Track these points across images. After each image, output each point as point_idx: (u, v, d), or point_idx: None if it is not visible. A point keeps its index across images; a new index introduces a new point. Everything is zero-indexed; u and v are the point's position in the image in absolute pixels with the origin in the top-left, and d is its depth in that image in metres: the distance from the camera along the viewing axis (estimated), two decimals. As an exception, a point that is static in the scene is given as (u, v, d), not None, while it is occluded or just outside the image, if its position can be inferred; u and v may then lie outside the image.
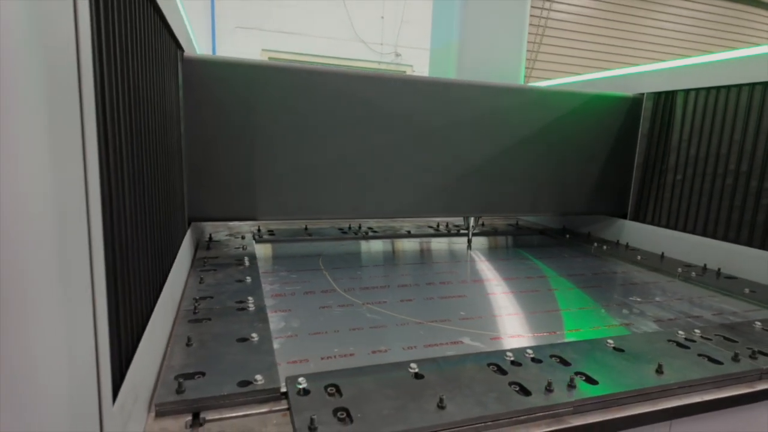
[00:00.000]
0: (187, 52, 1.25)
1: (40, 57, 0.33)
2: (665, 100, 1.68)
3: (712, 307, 1.20)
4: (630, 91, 1.75)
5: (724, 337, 0.94)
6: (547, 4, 7.05)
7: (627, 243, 1.79)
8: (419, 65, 6.74)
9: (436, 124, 1.52)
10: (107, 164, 0.51)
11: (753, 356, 0.85)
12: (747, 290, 1.27)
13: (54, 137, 0.35)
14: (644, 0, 8.02)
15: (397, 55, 6.98)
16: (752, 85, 1.40)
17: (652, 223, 1.72)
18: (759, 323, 1.02)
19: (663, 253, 1.62)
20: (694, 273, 1.42)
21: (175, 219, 1.06)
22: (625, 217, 1.82)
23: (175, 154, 1.10)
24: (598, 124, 1.73)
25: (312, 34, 6.56)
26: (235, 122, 1.32)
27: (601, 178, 1.78)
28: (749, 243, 1.40)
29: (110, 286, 0.49)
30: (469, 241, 1.81)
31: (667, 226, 1.66)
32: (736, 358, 0.84)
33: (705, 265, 1.49)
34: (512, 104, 1.60)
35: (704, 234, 1.53)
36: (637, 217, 1.78)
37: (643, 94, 1.74)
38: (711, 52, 1.56)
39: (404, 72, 6.70)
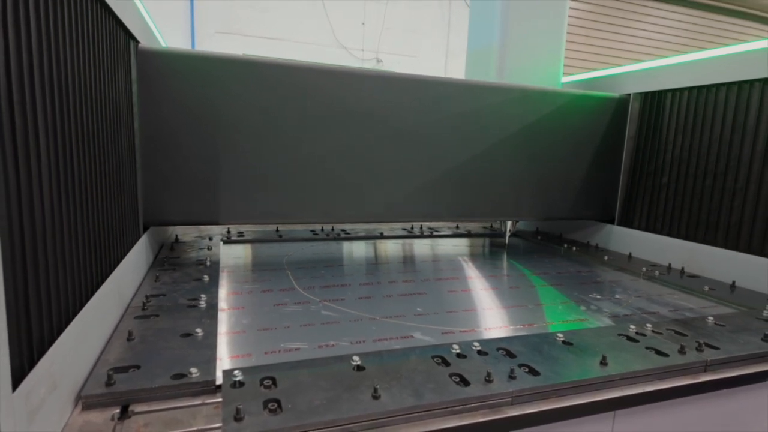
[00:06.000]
0: (144, 44, 1.18)
1: None
2: (652, 100, 1.63)
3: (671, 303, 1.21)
4: (616, 92, 1.70)
5: (675, 331, 0.95)
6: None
7: (614, 249, 1.73)
8: (400, 71, 6.75)
9: (413, 124, 1.45)
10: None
11: (699, 348, 0.86)
12: (706, 287, 1.28)
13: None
14: (629, 10, 8.14)
15: (379, 61, 7.00)
16: (727, 85, 1.38)
17: (639, 228, 1.66)
18: (711, 318, 1.02)
19: (630, 254, 1.63)
20: (657, 272, 1.43)
21: (123, 221, 1.02)
22: (612, 222, 1.77)
23: (126, 154, 1.04)
24: (583, 126, 1.67)
25: (293, 39, 6.55)
26: (195, 119, 1.25)
27: (588, 181, 1.72)
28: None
29: (9, 278, 0.48)
30: (506, 245, 1.80)
31: (653, 231, 1.61)
32: (682, 351, 0.84)
33: (670, 265, 1.49)
34: (493, 103, 1.53)
35: (687, 238, 1.49)
36: (625, 222, 1.72)
37: (629, 94, 1.69)
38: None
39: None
